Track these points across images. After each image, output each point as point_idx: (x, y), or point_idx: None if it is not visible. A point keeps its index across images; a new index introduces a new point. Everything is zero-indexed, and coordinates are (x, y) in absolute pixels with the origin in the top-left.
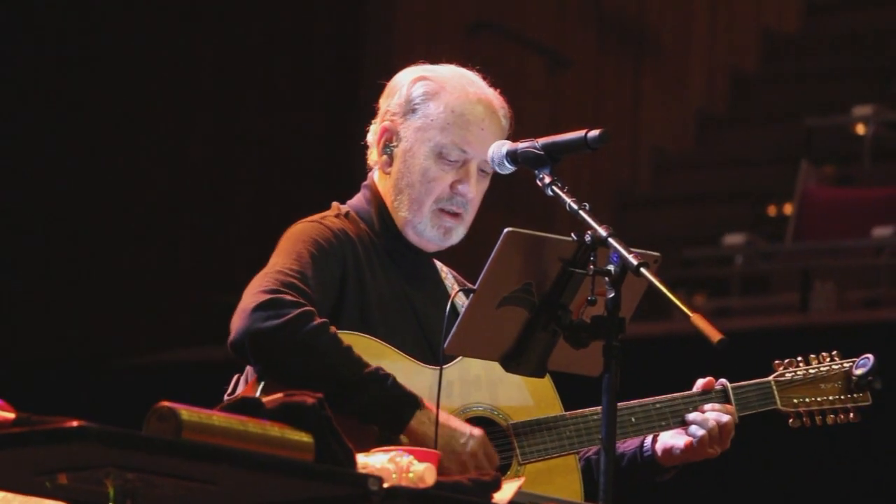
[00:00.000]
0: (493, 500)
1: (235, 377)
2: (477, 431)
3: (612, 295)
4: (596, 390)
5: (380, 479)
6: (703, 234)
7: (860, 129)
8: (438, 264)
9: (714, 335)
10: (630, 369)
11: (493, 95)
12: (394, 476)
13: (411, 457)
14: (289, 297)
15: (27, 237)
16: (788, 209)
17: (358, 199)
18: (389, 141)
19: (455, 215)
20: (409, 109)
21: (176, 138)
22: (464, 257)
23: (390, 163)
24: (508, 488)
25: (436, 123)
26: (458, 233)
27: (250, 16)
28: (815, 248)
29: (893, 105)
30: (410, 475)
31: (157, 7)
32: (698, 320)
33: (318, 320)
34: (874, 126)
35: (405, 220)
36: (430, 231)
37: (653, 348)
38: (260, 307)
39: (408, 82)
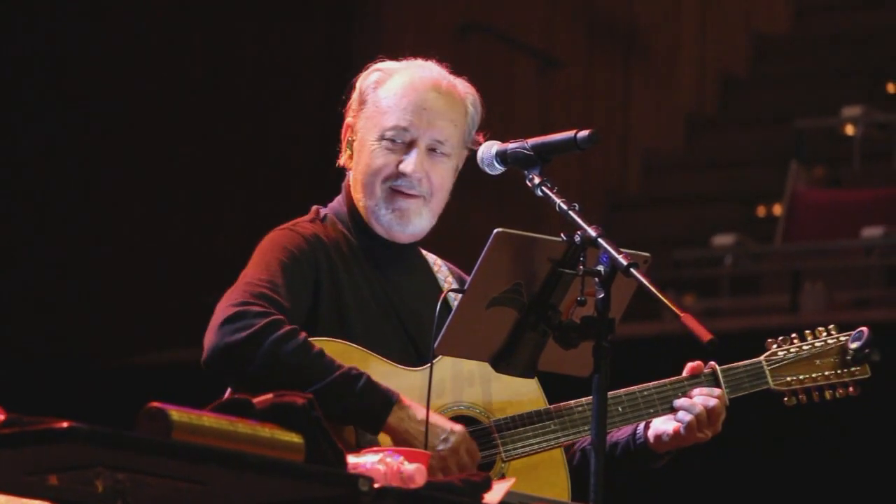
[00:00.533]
0: (484, 501)
1: (229, 391)
2: (458, 427)
3: (601, 295)
4: (581, 384)
5: (370, 480)
6: (692, 234)
7: (850, 130)
8: (431, 257)
9: (704, 335)
10: (620, 370)
11: (448, 80)
12: (384, 476)
13: (401, 457)
14: (256, 308)
15: (19, 237)
16: (778, 210)
17: (337, 202)
18: (350, 137)
19: (409, 196)
20: (361, 101)
21: (168, 140)
22: (454, 257)
23: (352, 157)
24: (499, 489)
25: (380, 108)
26: (420, 215)
27: (241, 17)
28: (805, 249)
29: (883, 106)
30: (401, 475)
31: (149, 8)
32: (688, 320)
33: (287, 328)
34: (864, 127)
35: (366, 208)
36: (385, 215)
37: (643, 349)
38: (227, 321)
39: (361, 77)
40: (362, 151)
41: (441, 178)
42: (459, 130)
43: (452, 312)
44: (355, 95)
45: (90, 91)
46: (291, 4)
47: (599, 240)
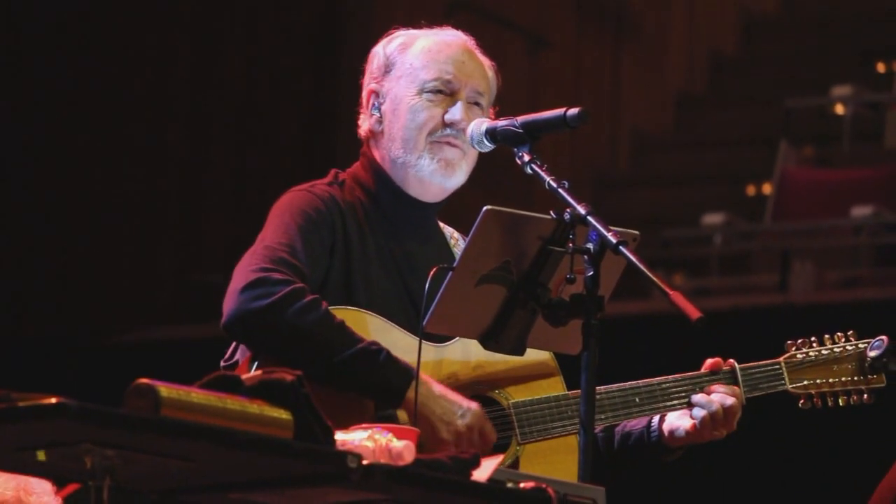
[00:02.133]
0: (472, 477)
1: (234, 344)
2: (474, 405)
3: (590, 273)
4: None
5: (358, 457)
6: (682, 214)
7: (839, 109)
8: (448, 230)
9: (693, 313)
10: (609, 348)
11: (472, 44)
12: (373, 453)
13: (390, 434)
14: (278, 276)
15: (4, 216)
16: (767, 189)
17: (355, 167)
18: (376, 101)
19: (454, 146)
20: (388, 65)
21: (155, 118)
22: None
23: (381, 119)
24: (487, 466)
25: (416, 65)
26: (460, 168)
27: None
28: (794, 229)
29: (872, 86)
30: (389, 452)
31: None
32: (677, 299)
33: (309, 297)
34: (853, 107)
35: (404, 164)
36: (429, 166)
37: (632, 327)
38: (249, 286)
39: (381, 45)
40: (398, 109)
41: None
42: (488, 91)
43: (441, 290)
44: (378, 62)
45: (77, 71)
46: None
47: (589, 217)
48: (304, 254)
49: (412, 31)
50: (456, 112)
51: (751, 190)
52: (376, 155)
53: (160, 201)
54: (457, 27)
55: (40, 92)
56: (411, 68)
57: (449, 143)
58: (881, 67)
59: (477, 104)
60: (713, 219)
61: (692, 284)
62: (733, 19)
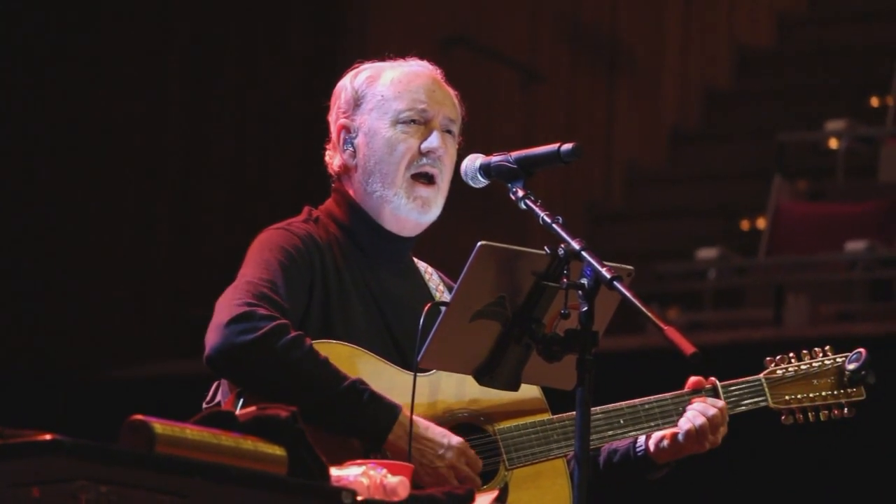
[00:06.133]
0: None
1: (214, 385)
2: (455, 440)
3: (585, 308)
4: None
5: (353, 493)
6: (676, 248)
7: (833, 143)
8: (422, 265)
9: (687, 348)
10: (603, 383)
11: (439, 73)
12: (367, 489)
13: (385, 470)
14: (262, 311)
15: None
16: (762, 223)
17: (328, 204)
18: (348, 136)
19: (429, 182)
20: (357, 99)
21: (149, 151)
22: (438, 270)
23: (354, 154)
24: (482, 501)
25: (387, 96)
26: (436, 204)
27: (225, 31)
28: (789, 263)
29: (866, 120)
30: (384, 488)
31: (134, 11)
32: (672, 334)
33: (293, 333)
34: (847, 141)
35: (381, 199)
36: (406, 205)
37: (626, 362)
38: (234, 321)
39: (348, 79)
40: (373, 142)
41: (452, 160)
42: (458, 119)
43: (436, 325)
44: (346, 97)
45: (71, 102)
46: (276, 16)
47: (583, 253)
48: (284, 290)
49: (377, 64)
50: (433, 140)
51: (745, 224)
52: (350, 190)
53: (154, 236)
54: (451, 62)
55: (30, 126)
56: (383, 100)
57: (425, 176)
58: (875, 102)
59: (449, 132)
60: (707, 253)
61: (686, 319)
62: (727, 54)
